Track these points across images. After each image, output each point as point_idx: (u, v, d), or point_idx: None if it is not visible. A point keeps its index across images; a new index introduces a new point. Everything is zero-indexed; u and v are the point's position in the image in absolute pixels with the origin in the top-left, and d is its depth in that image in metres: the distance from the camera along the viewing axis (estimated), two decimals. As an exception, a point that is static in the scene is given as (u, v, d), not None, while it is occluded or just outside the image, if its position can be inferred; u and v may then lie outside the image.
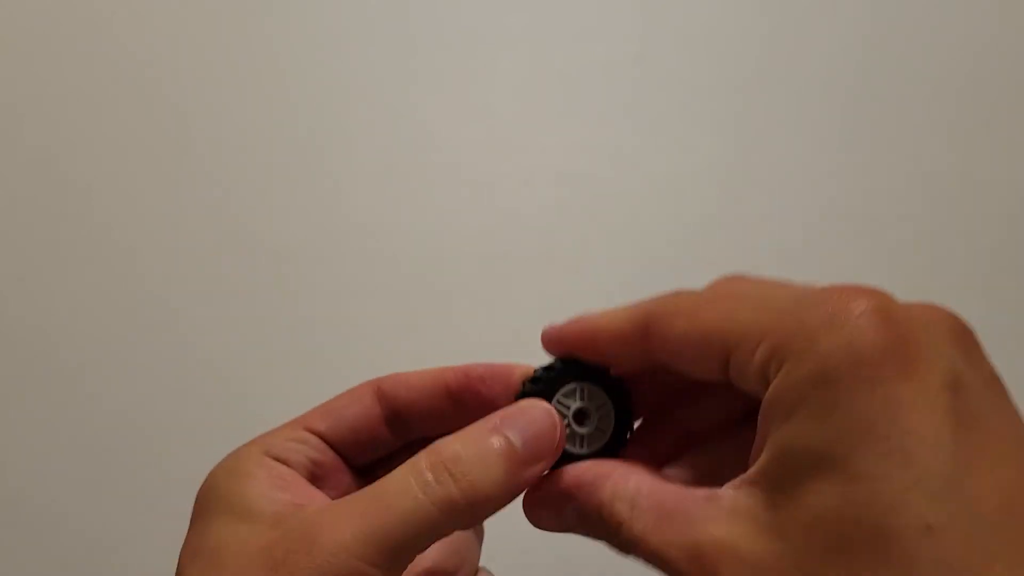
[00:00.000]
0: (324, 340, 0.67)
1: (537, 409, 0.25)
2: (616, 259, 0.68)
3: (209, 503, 0.27)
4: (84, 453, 0.65)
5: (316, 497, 0.26)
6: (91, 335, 0.68)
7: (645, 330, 0.23)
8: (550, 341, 0.28)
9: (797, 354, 0.18)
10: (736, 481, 0.20)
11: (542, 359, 0.29)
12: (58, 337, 0.68)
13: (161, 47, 0.78)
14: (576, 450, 0.26)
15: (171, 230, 0.71)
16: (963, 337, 0.18)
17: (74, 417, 0.66)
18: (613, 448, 0.26)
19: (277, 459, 0.27)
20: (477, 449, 0.23)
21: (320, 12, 0.78)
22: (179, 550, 0.27)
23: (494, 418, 0.24)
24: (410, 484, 0.22)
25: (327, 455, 0.29)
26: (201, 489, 0.27)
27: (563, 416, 0.26)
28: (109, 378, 0.67)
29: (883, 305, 0.18)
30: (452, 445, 0.23)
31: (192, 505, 0.28)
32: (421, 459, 0.23)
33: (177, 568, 0.26)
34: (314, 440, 0.28)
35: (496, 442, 0.23)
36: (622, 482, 0.23)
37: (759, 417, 0.20)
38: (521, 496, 0.25)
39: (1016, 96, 0.75)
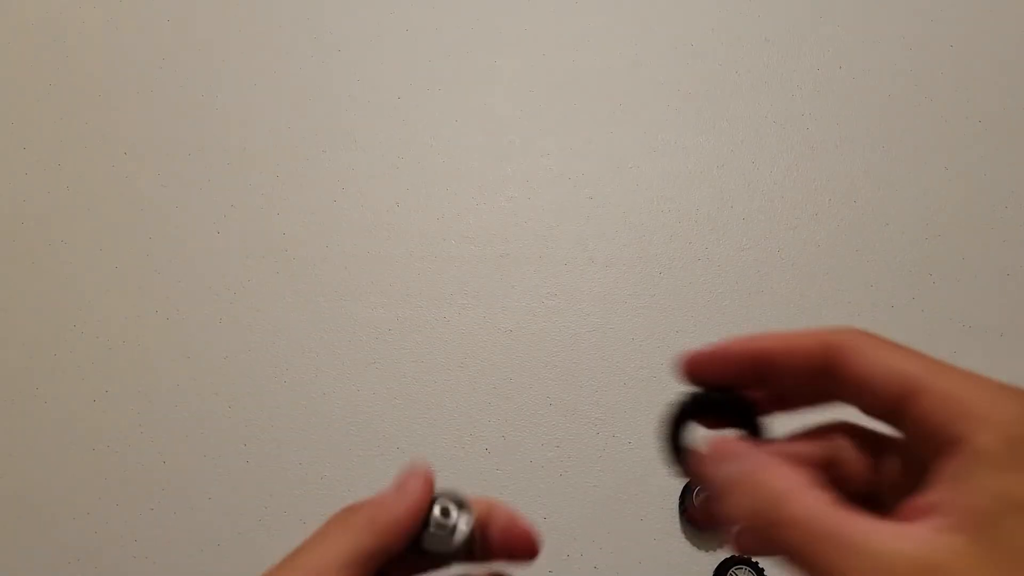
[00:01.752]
0: (324, 340, 0.67)
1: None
2: (615, 259, 0.69)
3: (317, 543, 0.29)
4: (84, 453, 0.65)
5: None
6: (91, 335, 0.68)
7: (831, 355, 0.25)
8: (706, 360, 0.29)
9: (1005, 422, 0.21)
10: (935, 521, 0.22)
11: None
12: (59, 337, 0.68)
13: (163, 48, 0.78)
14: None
15: (172, 230, 0.71)
16: None
17: (76, 416, 0.66)
18: None
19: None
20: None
21: (322, 16, 0.78)
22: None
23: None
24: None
25: None
26: (330, 521, 0.30)
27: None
28: (110, 377, 0.67)
29: None
30: (373, 502, 0.30)
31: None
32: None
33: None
34: None
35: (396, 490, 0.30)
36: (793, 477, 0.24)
37: (950, 455, 0.22)
38: None
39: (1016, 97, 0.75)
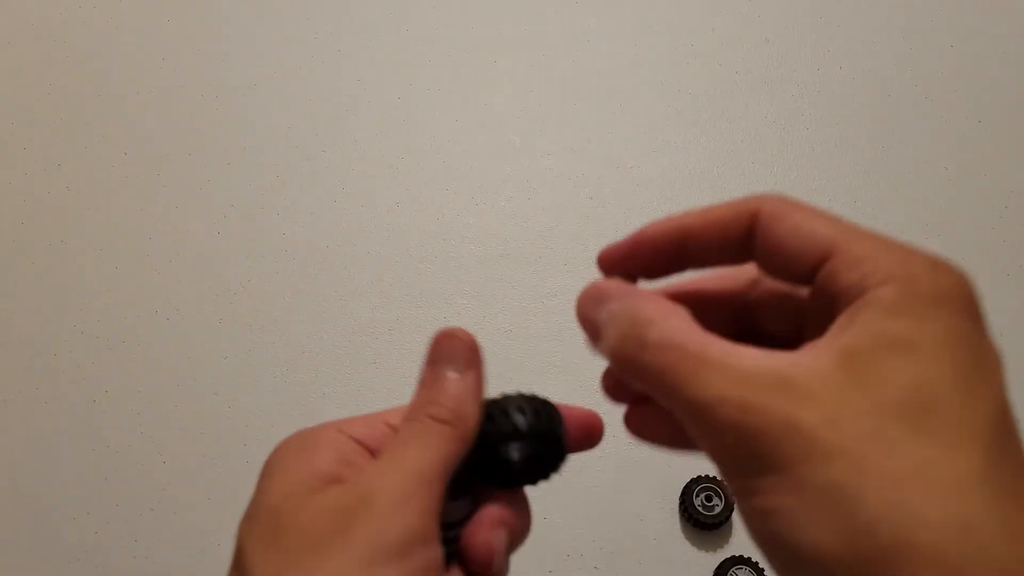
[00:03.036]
0: (324, 340, 0.67)
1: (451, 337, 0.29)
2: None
3: (273, 468, 0.27)
4: (84, 453, 0.65)
5: None
6: (91, 335, 0.68)
7: (750, 223, 0.25)
8: (626, 250, 0.29)
9: (907, 278, 0.21)
10: (817, 342, 0.22)
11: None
12: (59, 337, 0.68)
13: (163, 48, 0.78)
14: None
15: (172, 230, 0.71)
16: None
17: (76, 416, 0.66)
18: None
19: (351, 438, 0.29)
20: (448, 391, 0.28)
21: (321, 16, 0.79)
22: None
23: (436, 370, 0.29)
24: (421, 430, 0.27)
25: None
26: (269, 457, 0.28)
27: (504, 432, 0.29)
28: (110, 377, 0.67)
29: (960, 271, 0.22)
30: (438, 402, 0.28)
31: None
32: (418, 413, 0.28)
33: (238, 530, 0.27)
34: (391, 433, 0.29)
35: (452, 375, 0.29)
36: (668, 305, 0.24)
37: (851, 306, 0.22)
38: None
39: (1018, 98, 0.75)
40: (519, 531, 0.29)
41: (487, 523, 0.28)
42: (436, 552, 0.25)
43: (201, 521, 0.62)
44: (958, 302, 0.21)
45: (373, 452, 0.28)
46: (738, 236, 0.25)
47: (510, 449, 0.28)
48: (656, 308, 0.23)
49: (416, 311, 0.68)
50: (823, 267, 0.23)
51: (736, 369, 0.21)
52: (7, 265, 0.70)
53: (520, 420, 0.28)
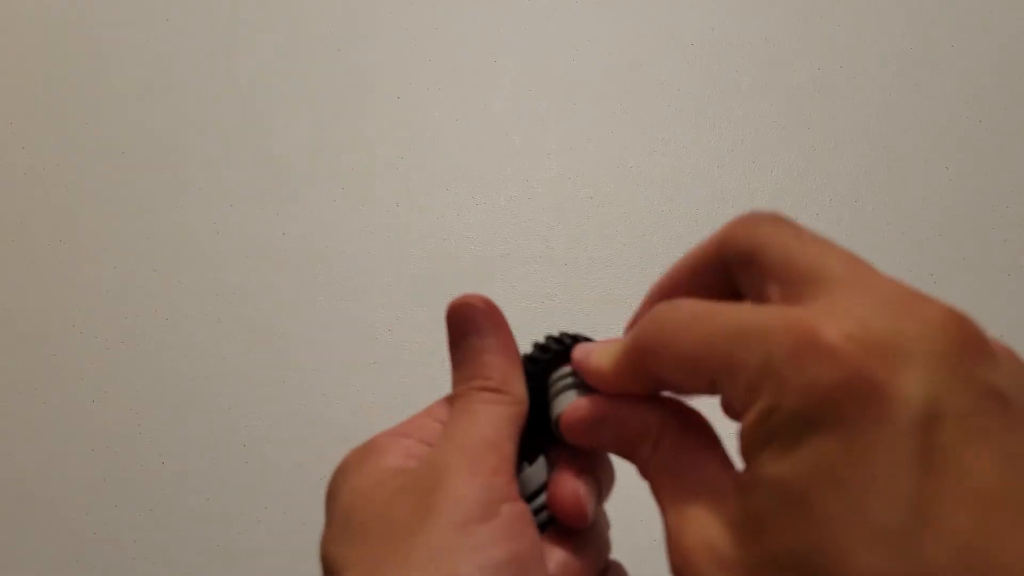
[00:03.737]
0: (324, 340, 0.67)
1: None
2: (615, 259, 0.68)
3: (339, 481, 0.27)
4: (84, 453, 0.65)
5: None
6: (91, 335, 0.68)
7: (639, 365, 0.24)
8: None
9: (769, 391, 0.18)
10: (730, 479, 0.21)
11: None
12: (59, 337, 0.68)
13: (162, 48, 0.78)
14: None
15: (172, 230, 0.71)
16: (955, 349, 0.17)
17: (76, 416, 0.66)
18: None
19: (408, 437, 0.28)
20: (483, 361, 0.28)
21: (321, 16, 0.78)
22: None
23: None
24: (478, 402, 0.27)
25: None
26: (332, 476, 0.28)
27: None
28: (110, 377, 0.67)
29: (849, 333, 0.17)
30: (479, 374, 0.28)
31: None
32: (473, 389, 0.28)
33: (321, 549, 0.26)
34: (439, 426, 0.29)
35: (480, 343, 0.28)
36: (642, 428, 0.24)
37: (741, 441, 0.20)
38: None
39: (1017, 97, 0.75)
40: (603, 478, 0.28)
41: (569, 473, 0.27)
42: (523, 507, 0.25)
43: (201, 521, 0.62)
44: (827, 414, 0.17)
45: (432, 445, 0.28)
46: (648, 378, 0.24)
47: (563, 401, 0.27)
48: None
49: (416, 311, 0.68)
50: (716, 389, 0.21)
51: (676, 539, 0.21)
52: (7, 265, 0.70)
53: (565, 369, 0.27)
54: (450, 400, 0.28)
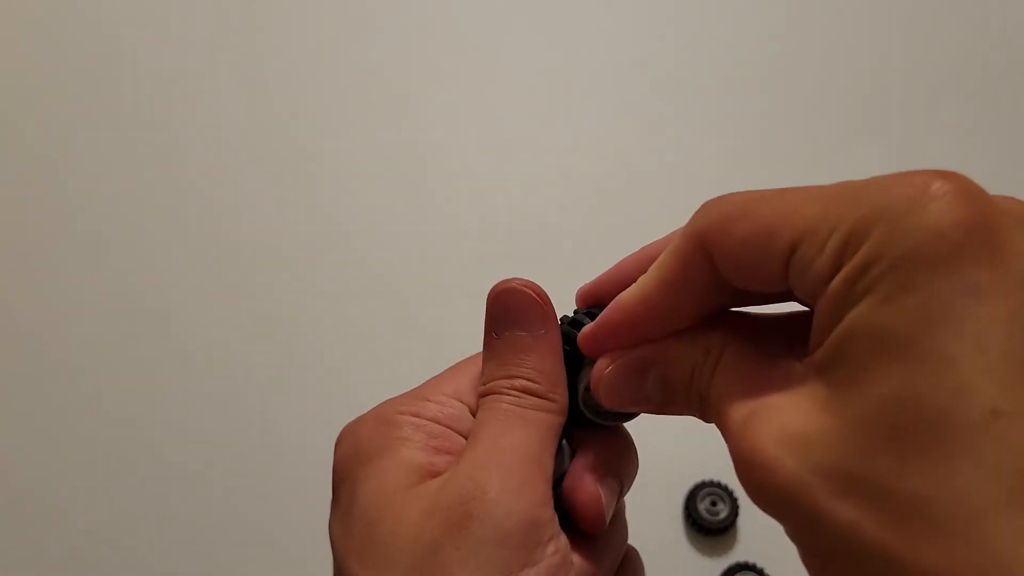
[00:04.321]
0: (323, 339, 0.67)
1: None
2: (616, 259, 0.68)
3: (355, 466, 0.24)
4: (86, 452, 0.64)
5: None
6: (91, 335, 0.68)
7: (704, 253, 0.21)
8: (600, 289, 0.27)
9: (876, 237, 0.17)
10: (804, 364, 0.19)
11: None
12: (58, 337, 0.68)
13: (161, 48, 0.77)
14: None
15: (173, 231, 0.71)
16: None
17: (76, 416, 0.65)
18: None
19: (430, 420, 0.26)
20: (529, 360, 0.25)
21: (319, 13, 0.78)
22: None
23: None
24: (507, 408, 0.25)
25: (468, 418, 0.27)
26: (342, 451, 0.25)
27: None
28: (109, 378, 0.66)
29: (967, 187, 0.18)
30: (522, 375, 0.26)
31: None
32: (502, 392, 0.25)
33: (334, 546, 0.24)
34: (466, 410, 0.26)
35: (526, 337, 0.26)
36: (701, 348, 0.22)
37: (825, 303, 0.18)
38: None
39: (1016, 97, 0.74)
40: (626, 473, 0.27)
41: (590, 475, 0.25)
42: (565, 544, 0.23)
43: (201, 522, 0.62)
44: (945, 253, 0.17)
45: (454, 431, 0.26)
46: (703, 283, 0.22)
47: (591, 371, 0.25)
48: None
49: (416, 311, 0.68)
50: (791, 260, 0.19)
51: (749, 439, 0.19)
52: (6, 265, 0.70)
53: None
54: (477, 388, 0.26)
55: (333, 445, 0.27)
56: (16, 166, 0.73)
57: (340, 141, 0.73)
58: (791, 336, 0.22)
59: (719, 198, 0.21)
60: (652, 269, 0.23)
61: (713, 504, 0.58)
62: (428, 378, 0.28)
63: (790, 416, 0.18)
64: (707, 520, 0.58)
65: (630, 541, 0.28)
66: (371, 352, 0.67)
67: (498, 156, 0.73)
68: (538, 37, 0.77)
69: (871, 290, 0.17)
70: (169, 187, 0.72)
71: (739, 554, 0.59)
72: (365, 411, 0.28)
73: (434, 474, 0.24)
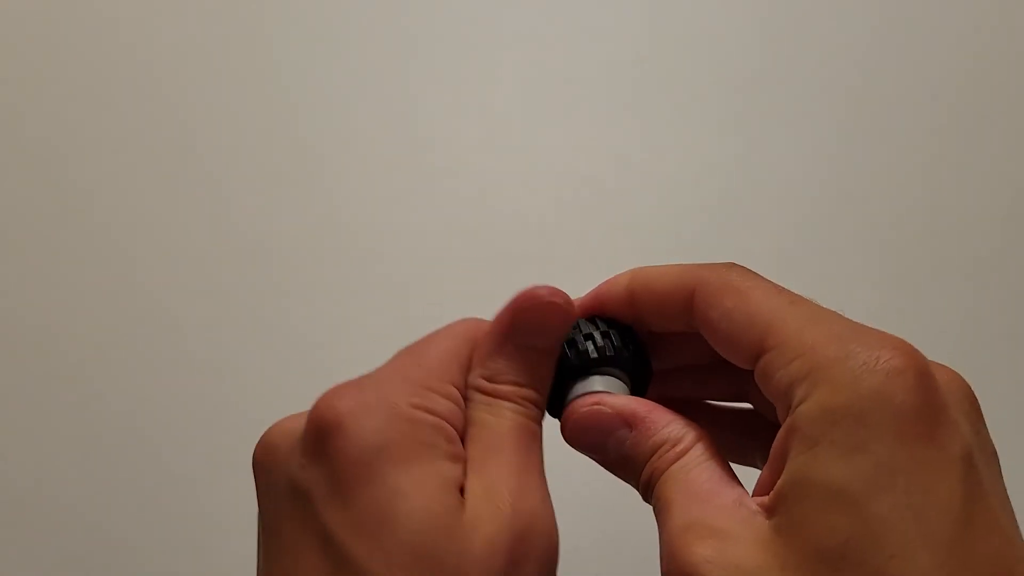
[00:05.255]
0: (323, 340, 0.67)
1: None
2: (616, 259, 0.68)
3: (386, 466, 0.23)
4: (85, 452, 0.65)
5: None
6: (91, 335, 0.68)
7: (690, 295, 0.23)
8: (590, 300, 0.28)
9: (835, 385, 0.19)
10: (755, 500, 0.21)
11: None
12: (57, 337, 0.68)
13: (158, 46, 0.77)
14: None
15: (172, 231, 0.71)
16: (975, 412, 0.20)
17: (75, 417, 0.66)
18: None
19: (442, 418, 0.25)
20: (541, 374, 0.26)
21: (318, 11, 0.78)
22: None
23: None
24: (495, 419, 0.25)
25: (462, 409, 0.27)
26: (364, 443, 0.23)
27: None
28: (109, 377, 0.67)
29: (923, 368, 0.19)
30: (532, 385, 0.26)
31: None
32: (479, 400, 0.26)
33: (329, 530, 0.23)
34: (461, 404, 0.27)
35: (542, 350, 0.26)
36: (675, 435, 0.24)
37: (781, 434, 0.20)
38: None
39: (1016, 96, 0.75)
40: None
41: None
42: None
43: (201, 522, 0.62)
44: (899, 416, 0.18)
45: (457, 431, 0.26)
46: (678, 313, 0.24)
47: (583, 387, 0.26)
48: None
49: (416, 311, 0.68)
50: (760, 359, 0.21)
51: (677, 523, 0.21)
52: (5, 265, 0.70)
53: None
54: (467, 374, 0.27)
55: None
56: (16, 166, 0.74)
57: (339, 141, 0.74)
58: (760, 442, 0.23)
59: (727, 266, 0.24)
60: (651, 276, 0.26)
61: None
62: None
63: (733, 545, 0.19)
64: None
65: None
66: (371, 352, 0.67)
67: (497, 157, 0.73)
68: (538, 37, 0.77)
69: (824, 438, 0.19)
70: (169, 187, 0.72)
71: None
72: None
73: (461, 489, 0.23)
